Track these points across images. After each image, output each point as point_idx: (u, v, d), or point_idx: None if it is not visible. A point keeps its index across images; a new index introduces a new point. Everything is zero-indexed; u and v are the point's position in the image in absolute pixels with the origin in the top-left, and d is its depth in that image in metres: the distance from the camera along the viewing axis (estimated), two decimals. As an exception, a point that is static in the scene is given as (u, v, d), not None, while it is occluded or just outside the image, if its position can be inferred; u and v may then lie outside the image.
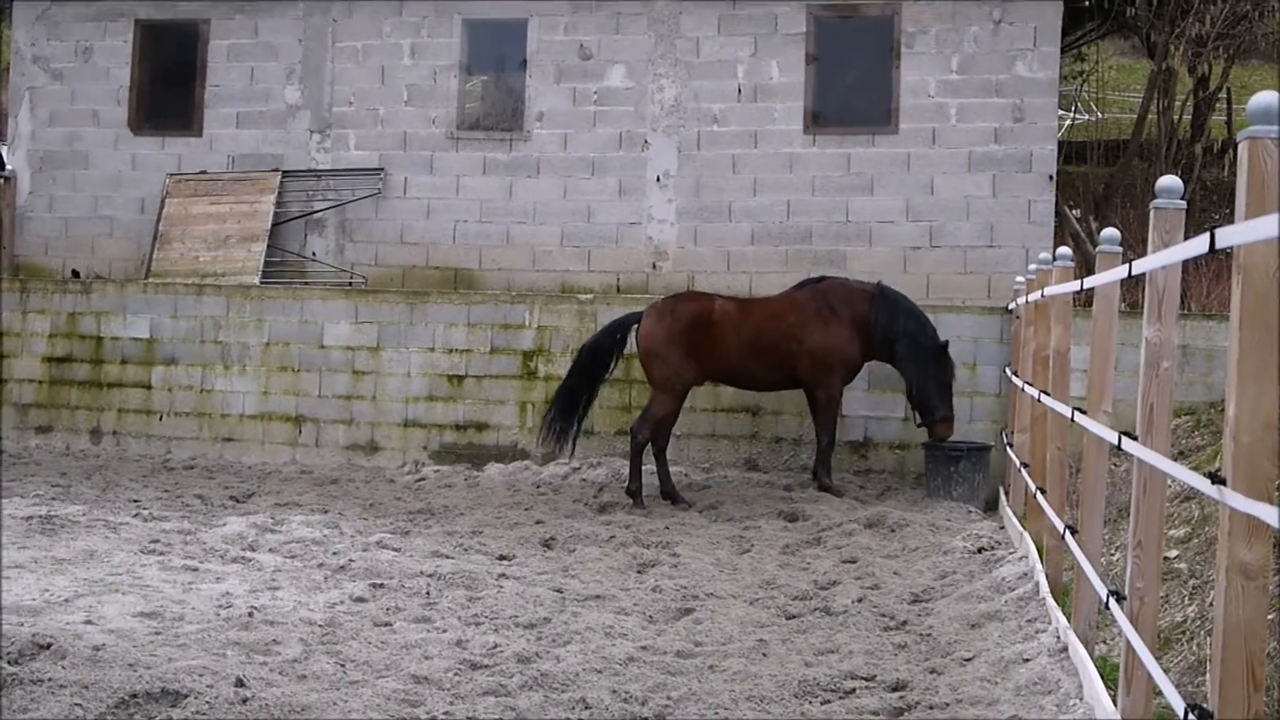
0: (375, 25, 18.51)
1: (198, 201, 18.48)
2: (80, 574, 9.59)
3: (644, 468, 13.82)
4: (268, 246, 18.09)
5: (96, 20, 19.35)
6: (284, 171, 18.54)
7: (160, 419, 16.97)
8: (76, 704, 6.52)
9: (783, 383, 14.21)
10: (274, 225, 18.24)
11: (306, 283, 17.94)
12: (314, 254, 18.49)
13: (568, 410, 14.12)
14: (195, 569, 10.00)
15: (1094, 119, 31.05)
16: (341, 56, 18.61)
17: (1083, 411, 7.49)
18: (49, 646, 7.26)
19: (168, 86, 19.25)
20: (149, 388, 17.04)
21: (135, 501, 13.32)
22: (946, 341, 14.09)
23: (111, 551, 10.44)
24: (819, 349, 13.83)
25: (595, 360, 14.14)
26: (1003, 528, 12.34)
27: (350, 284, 17.98)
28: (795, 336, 13.83)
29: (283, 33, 18.79)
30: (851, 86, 17.29)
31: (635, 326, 14.05)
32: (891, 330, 13.93)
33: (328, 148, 18.58)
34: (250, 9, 18.88)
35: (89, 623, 8.10)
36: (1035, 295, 10.97)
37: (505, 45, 18.25)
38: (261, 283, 17.65)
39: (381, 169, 18.35)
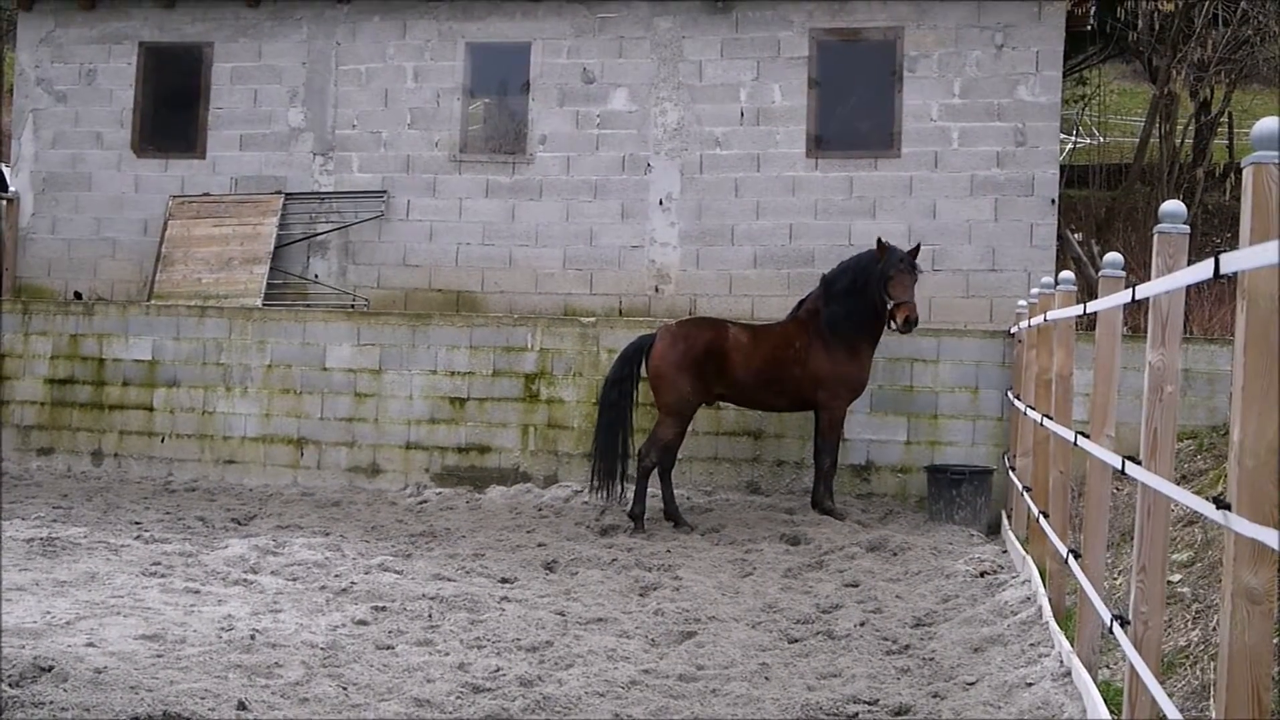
0: (379, 48, 18.56)
1: (200, 223, 18.50)
2: (82, 596, 9.59)
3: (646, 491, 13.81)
4: (270, 268, 18.11)
5: (100, 43, 19.42)
6: (287, 194, 18.57)
7: (162, 441, 16.97)
8: (78, 727, 6.52)
9: (791, 406, 14.23)
10: (276, 247, 18.26)
11: (309, 305, 17.95)
12: (316, 276, 18.51)
13: (609, 453, 13.99)
14: (197, 591, 9.99)
15: (1096, 143, 31.10)
16: (345, 79, 18.66)
17: (1085, 435, 7.48)
18: (50, 669, 7.26)
19: (171, 109, 19.30)
20: (151, 409, 17.05)
21: (137, 523, 13.32)
22: (878, 245, 13.95)
23: (113, 574, 10.43)
24: (824, 372, 13.86)
25: (620, 393, 14.07)
26: (1005, 551, 12.32)
27: (352, 306, 18.00)
28: (802, 361, 13.87)
29: (286, 55, 18.84)
30: (853, 110, 17.33)
31: (648, 350, 14.04)
32: (833, 310, 13.94)
33: (330, 170, 18.61)
34: (254, 32, 18.94)
35: (90, 645, 8.09)
36: (1038, 319, 10.97)
37: (508, 69, 18.29)
38: (264, 305, 17.67)
39: (384, 191, 18.37)
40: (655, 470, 13.80)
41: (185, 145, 19.13)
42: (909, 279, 13.64)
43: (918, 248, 14.02)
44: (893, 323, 13.62)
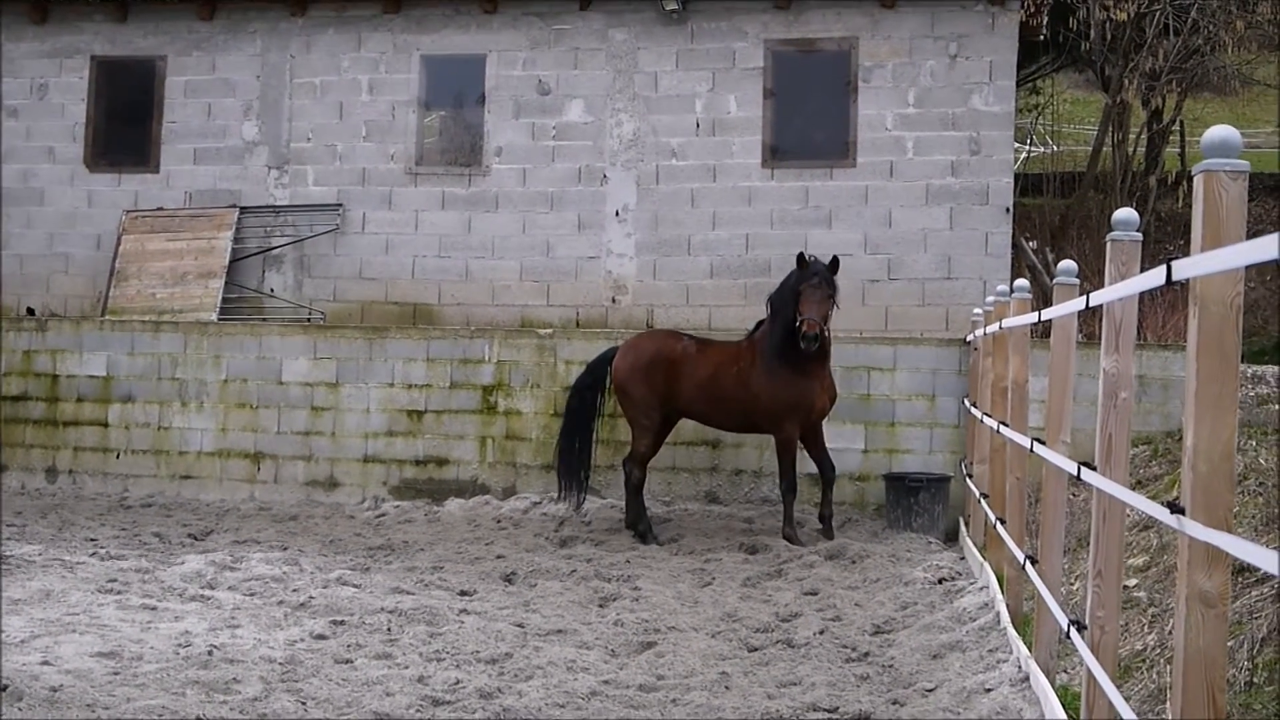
0: (333, 61, 18.50)
1: (154, 238, 18.39)
2: (36, 614, 9.50)
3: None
4: (225, 283, 18.01)
5: (52, 57, 19.28)
6: (242, 208, 18.48)
7: (117, 457, 16.85)
8: (34, 745, 6.46)
9: (743, 427, 14.03)
10: (232, 261, 18.17)
11: (264, 319, 17.86)
12: (272, 290, 18.43)
13: (568, 460, 14.09)
14: (153, 608, 9.92)
15: (1049, 151, 31.28)
16: (299, 92, 18.59)
17: (1042, 442, 7.53)
18: (4, 688, 7.19)
19: (124, 123, 19.16)
20: (106, 425, 16.93)
21: (92, 540, 13.22)
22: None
23: (68, 591, 10.35)
24: (766, 395, 13.51)
25: (581, 402, 14.14)
26: (963, 558, 12.37)
27: (309, 320, 17.92)
28: (744, 382, 13.62)
29: (240, 69, 18.76)
30: (809, 120, 17.37)
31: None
32: (774, 330, 13.46)
33: (286, 184, 18.54)
34: (208, 45, 18.85)
35: (46, 663, 8.02)
36: (993, 327, 11.03)
37: (464, 81, 18.27)
38: (219, 319, 17.56)
39: (340, 205, 18.31)
40: (637, 483, 13.74)
41: (139, 159, 19.00)
42: (817, 294, 13.10)
43: (835, 261, 13.45)
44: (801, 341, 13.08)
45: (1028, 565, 7.85)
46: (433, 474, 16.03)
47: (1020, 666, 7.73)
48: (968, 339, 14.66)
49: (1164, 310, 16.55)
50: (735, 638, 9.48)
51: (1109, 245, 5.93)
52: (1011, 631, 8.42)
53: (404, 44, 18.33)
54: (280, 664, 8.34)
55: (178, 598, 10.37)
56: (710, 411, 13.91)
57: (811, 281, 13.19)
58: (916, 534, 13.71)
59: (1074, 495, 11.64)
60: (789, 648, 9.19)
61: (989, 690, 7.50)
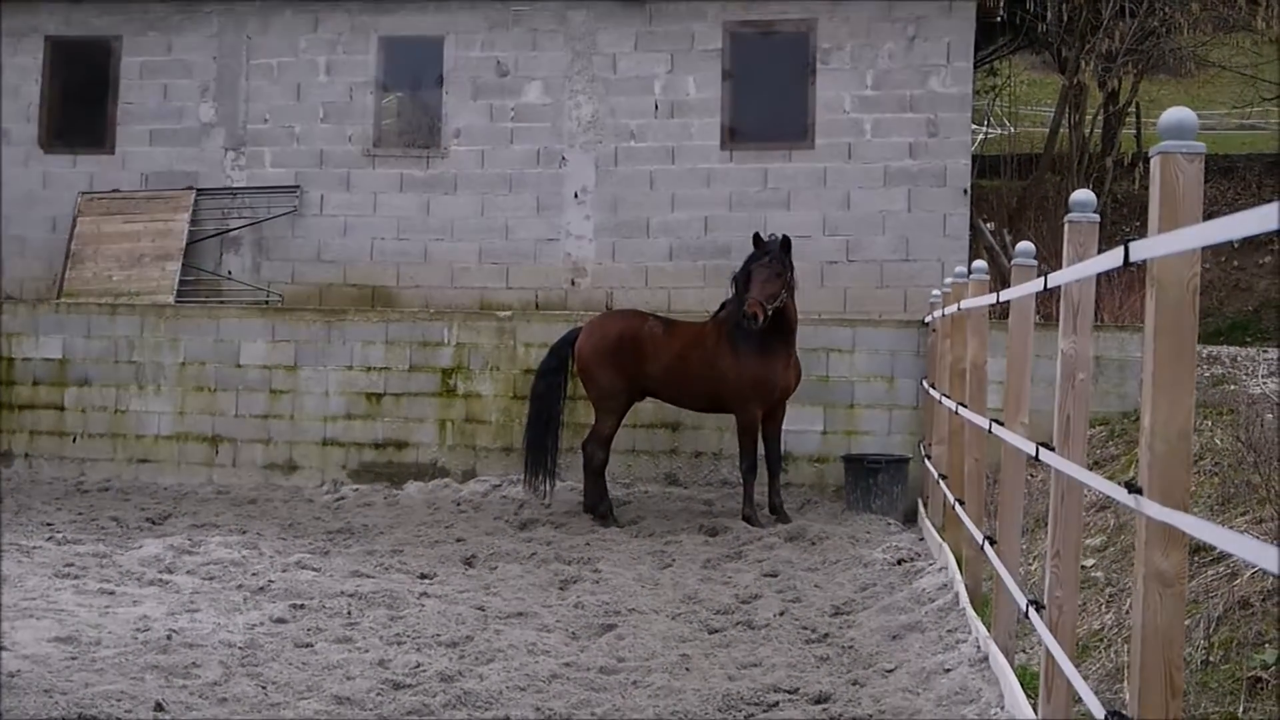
0: (290, 42, 18.39)
1: (111, 220, 18.26)
2: (-7, 599, 9.45)
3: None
4: (182, 265, 17.90)
5: (5, 36, 19.08)
6: (199, 189, 18.36)
7: (74, 440, 16.74)
8: (-9, 731, 6.43)
9: (709, 407, 14.01)
10: (189, 244, 18.05)
11: (222, 301, 17.78)
12: (230, 272, 18.33)
13: (539, 448, 14.04)
14: (112, 592, 9.87)
15: (1007, 133, 31.38)
16: (256, 74, 18.48)
17: (1000, 423, 7.56)
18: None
19: (79, 104, 19.01)
20: (62, 409, 16.80)
21: (49, 525, 13.13)
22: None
23: (25, 576, 10.29)
24: (730, 375, 13.50)
25: (548, 387, 14.09)
26: (922, 539, 12.43)
27: (266, 302, 17.83)
28: (710, 362, 13.61)
29: (197, 50, 18.62)
30: (767, 102, 17.37)
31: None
32: (734, 310, 13.31)
33: (243, 165, 18.43)
34: (164, 25, 18.70)
35: (2, 649, 7.97)
36: (951, 308, 11.06)
37: (422, 62, 18.19)
38: (176, 302, 17.46)
39: (297, 187, 18.22)
40: (600, 465, 13.70)
41: (94, 141, 18.86)
42: (764, 274, 13.04)
43: (787, 241, 13.35)
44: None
45: (986, 546, 7.89)
46: (392, 457, 16.00)
47: (979, 646, 7.78)
48: (926, 320, 14.69)
49: (1121, 291, 16.63)
50: (695, 619, 9.50)
51: (1067, 227, 5.95)
52: (970, 612, 8.47)
53: (361, 25, 18.24)
54: (240, 648, 8.32)
55: (136, 582, 10.33)
56: (676, 392, 13.91)
57: (762, 261, 13.18)
58: (875, 515, 13.75)
59: (1032, 476, 11.71)
60: (749, 629, 9.21)
61: (948, 670, 7.55)
